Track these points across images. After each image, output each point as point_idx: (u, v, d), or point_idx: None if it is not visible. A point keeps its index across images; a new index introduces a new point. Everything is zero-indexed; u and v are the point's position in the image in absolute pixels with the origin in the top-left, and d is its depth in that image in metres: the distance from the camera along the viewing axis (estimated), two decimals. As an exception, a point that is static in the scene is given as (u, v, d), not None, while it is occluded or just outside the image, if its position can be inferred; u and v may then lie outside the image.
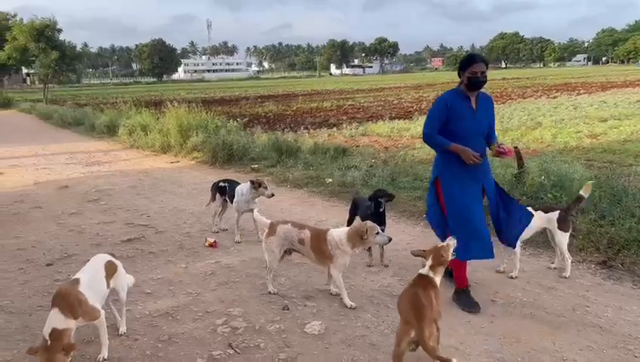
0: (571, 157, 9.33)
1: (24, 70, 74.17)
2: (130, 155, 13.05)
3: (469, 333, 3.63)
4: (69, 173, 10.64)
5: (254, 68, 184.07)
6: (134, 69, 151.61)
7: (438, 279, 3.23)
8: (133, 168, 11.09)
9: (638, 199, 5.51)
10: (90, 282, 3.39)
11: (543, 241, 5.15)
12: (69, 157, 12.82)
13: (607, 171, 7.19)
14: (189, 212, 7.22)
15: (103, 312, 3.36)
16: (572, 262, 4.65)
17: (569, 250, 4.70)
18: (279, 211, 7.07)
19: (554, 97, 25.60)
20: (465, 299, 4.06)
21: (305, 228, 4.31)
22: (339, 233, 4.16)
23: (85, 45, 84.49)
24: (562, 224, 4.51)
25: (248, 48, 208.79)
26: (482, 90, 4.07)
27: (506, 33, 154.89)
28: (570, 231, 4.59)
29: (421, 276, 3.24)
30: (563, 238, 4.50)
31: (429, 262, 3.26)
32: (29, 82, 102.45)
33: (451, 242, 3.34)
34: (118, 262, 3.76)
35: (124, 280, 3.80)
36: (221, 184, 6.39)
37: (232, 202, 6.09)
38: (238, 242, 5.86)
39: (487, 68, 3.96)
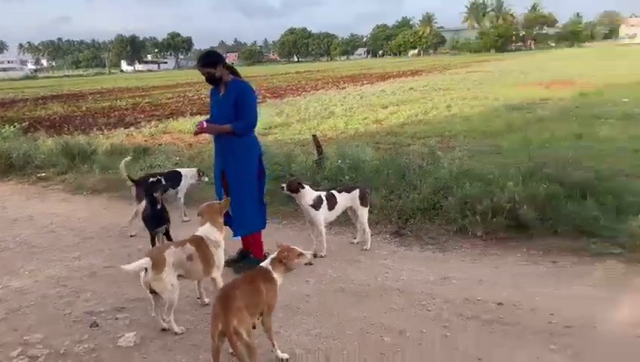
0: (362, 141, 10.24)
1: None
2: None
3: (287, 316, 3.76)
4: None
5: (31, 66, 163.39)
6: None
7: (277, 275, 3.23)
8: None
9: (418, 174, 6.28)
10: None
11: (345, 220, 5.56)
12: None
13: (392, 152, 8.06)
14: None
15: None
16: (371, 235, 5.14)
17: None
18: (77, 221, 6.44)
19: (343, 88, 27.75)
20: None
21: (184, 243, 3.74)
22: (205, 229, 3.84)
23: None
24: (362, 200, 4.97)
25: (21, 45, 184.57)
26: (238, 79, 4.55)
27: (295, 28, 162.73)
28: (369, 205, 5.06)
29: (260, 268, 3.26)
30: (364, 213, 4.96)
31: (271, 256, 3.28)
32: None
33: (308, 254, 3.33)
34: None
35: None
36: (152, 179, 5.84)
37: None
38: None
39: (209, 66, 4.45)
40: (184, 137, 13.31)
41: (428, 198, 5.68)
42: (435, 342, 3.35)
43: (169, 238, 4.91)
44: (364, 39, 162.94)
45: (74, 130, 15.15)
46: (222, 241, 3.87)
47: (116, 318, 3.89)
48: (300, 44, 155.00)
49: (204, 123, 4.47)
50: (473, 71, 36.29)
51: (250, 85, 4.58)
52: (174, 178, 6.33)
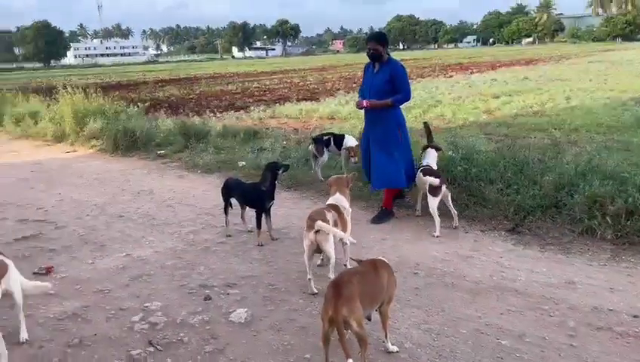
0: (471, 132, 9.80)
1: None
2: (19, 146, 11.89)
3: (396, 307, 3.64)
4: (-54, 169, 9.49)
5: (152, 51, 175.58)
6: (17, 53, 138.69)
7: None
8: (23, 160, 10.11)
9: (538, 168, 5.85)
10: None
11: (459, 212, 5.31)
12: (-56, 151, 11.44)
13: (505, 144, 7.58)
14: (91, 203, 6.69)
15: None
16: (484, 231, 4.98)
17: (480, 220, 5.17)
18: (192, 198, 6.76)
19: (450, 76, 26.81)
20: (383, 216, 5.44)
21: (329, 209, 4.17)
22: (337, 198, 4.33)
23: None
24: (432, 189, 4.99)
25: (144, 31, 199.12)
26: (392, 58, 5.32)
27: (402, 16, 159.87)
28: (437, 196, 5.00)
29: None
30: (432, 201, 5.00)
31: None
32: None
33: None
34: (8, 261, 3.34)
35: (18, 281, 3.38)
36: (325, 138, 7.23)
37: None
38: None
39: (379, 44, 5.18)
40: (290, 122, 13.56)
41: (549, 195, 5.26)
42: (561, 350, 3.06)
43: (268, 214, 5.12)
44: (474, 26, 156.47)
45: (189, 111, 16.02)
46: (349, 209, 4.37)
47: (228, 293, 4.00)
48: (407, 32, 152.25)
49: (365, 101, 5.26)
50: (596, 61, 33.40)
51: (401, 63, 5.35)
52: (339, 141, 7.17)
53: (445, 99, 15.94)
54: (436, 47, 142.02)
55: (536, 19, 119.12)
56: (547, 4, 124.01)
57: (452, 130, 9.19)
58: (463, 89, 19.20)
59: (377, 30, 6.37)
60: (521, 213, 5.19)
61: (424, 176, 5.15)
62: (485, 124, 11.36)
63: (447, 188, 5.11)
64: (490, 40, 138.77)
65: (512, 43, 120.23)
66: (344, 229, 4.14)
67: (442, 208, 5.14)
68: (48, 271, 4.54)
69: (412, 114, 13.21)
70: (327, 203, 4.35)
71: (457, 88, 19.58)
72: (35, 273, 4.49)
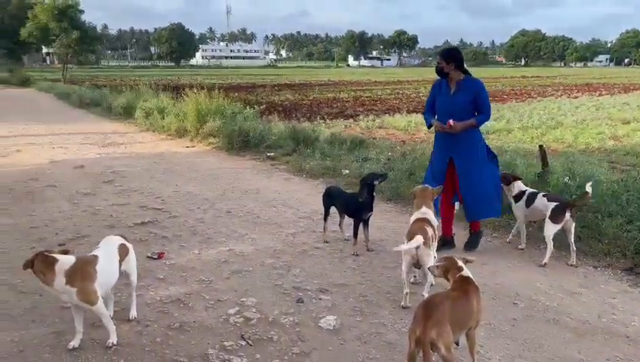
0: (594, 158, 9.11)
1: (44, 49, 74.55)
2: (145, 138, 13.01)
3: (489, 336, 3.50)
4: (85, 153, 10.62)
5: (272, 56, 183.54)
6: (152, 52, 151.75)
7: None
8: (148, 151, 11.04)
9: (668, 205, 5.30)
10: (104, 264, 3.31)
11: (567, 244, 4.98)
12: (85, 138, 12.81)
13: (634, 174, 6.95)
14: (203, 197, 7.13)
15: (101, 300, 3.22)
16: (596, 268, 4.62)
17: (593, 255, 4.84)
18: (295, 201, 6.96)
19: (575, 97, 25.14)
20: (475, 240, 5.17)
21: (423, 223, 4.09)
22: (425, 211, 4.23)
23: (105, 27, 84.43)
24: (554, 216, 4.70)
25: (267, 36, 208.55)
26: (470, 76, 4.98)
27: (527, 30, 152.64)
28: (559, 224, 4.70)
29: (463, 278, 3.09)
30: (550, 227, 4.71)
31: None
32: (48, 61, 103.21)
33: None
34: (129, 245, 3.67)
35: (135, 263, 3.71)
36: None
37: None
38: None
39: (444, 60, 4.87)
40: (397, 133, 13.49)
41: (678, 236, 4.75)
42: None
43: (366, 225, 5.12)
44: (608, 45, 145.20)
45: (301, 116, 16.53)
46: (436, 222, 4.24)
47: (320, 299, 4.07)
48: (531, 47, 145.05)
49: (452, 121, 4.80)
50: None
51: (482, 82, 5.06)
52: None
53: (567, 122, 14.99)
54: (562, 64, 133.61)
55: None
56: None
57: (571, 155, 8.60)
58: (588, 111, 17.92)
59: (452, 47, 5.75)
60: (643, 252, 4.73)
61: (548, 201, 4.83)
62: (611, 151, 10.52)
63: (573, 218, 4.73)
64: (626, 60, 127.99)
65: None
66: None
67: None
68: (160, 256, 4.91)
69: (528, 134, 12.60)
70: (416, 217, 4.21)
71: (582, 110, 18.31)
72: (148, 257, 4.88)
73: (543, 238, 4.80)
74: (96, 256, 3.30)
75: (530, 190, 5.11)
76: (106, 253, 3.40)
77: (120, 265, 3.50)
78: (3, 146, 11.24)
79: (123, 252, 3.56)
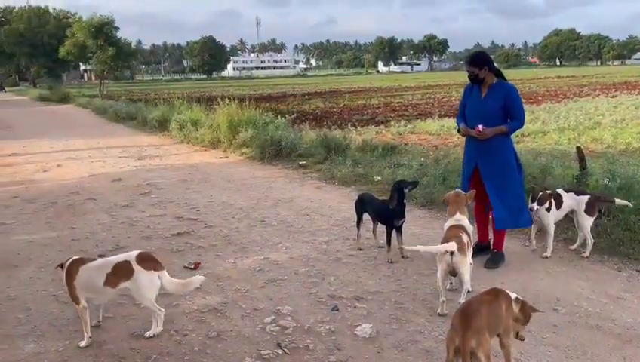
0: (635, 159, 8.83)
1: (82, 66, 77.07)
2: (180, 150, 13.26)
3: (529, 343, 3.41)
4: (122, 166, 10.89)
5: (301, 65, 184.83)
6: (185, 65, 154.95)
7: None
8: (183, 162, 11.26)
9: None
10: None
11: (609, 247, 4.85)
12: (122, 151, 13.15)
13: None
14: (237, 207, 7.22)
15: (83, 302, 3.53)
16: None
17: (637, 258, 4.71)
18: (327, 208, 6.98)
19: (613, 96, 24.42)
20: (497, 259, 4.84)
21: (458, 230, 4.05)
22: (459, 217, 4.18)
23: (139, 42, 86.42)
24: (589, 209, 4.81)
25: (296, 46, 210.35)
26: (504, 81, 4.82)
27: (560, 30, 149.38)
28: (595, 216, 4.85)
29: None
30: (586, 222, 4.80)
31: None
32: (86, 78, 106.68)
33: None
34: (137, 267, 3.54)
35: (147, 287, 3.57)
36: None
37: None
38: None
39: (474, 66, 4.71)
40: (430, 138, 13.37)
41: None
42: None
43: (399, 232, 5.10)
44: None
45: (332, 124, 16.57)
46: (471, 228, 4.19)
47: (355, 306, 4.06)
48: (565, 47, 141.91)
49: (481, 127, 4.66)
50: None
51: (515, 86, 4.85)
52: None
53: (605, 122, 14.60)
54: (599, 63, 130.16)
55: None
56: None
57: (611, 156, 8.35)
58: (627, 110, 17.41)
59: (478, 51, 5.48)
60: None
61: (577, 195, 4.92)
62: (653, 151, 10.18)
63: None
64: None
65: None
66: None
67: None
68: (196, 266, 4.99)
69: (565, 136, 12.32)
70: (450, 224, 4.16)
71: (621, 109, 17.80)
72: (185, 267, 4.97)
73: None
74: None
75: (548, 192, 5.00)
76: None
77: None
78: (45, 161, 11.65)
79: (159, 268, 3.64)
